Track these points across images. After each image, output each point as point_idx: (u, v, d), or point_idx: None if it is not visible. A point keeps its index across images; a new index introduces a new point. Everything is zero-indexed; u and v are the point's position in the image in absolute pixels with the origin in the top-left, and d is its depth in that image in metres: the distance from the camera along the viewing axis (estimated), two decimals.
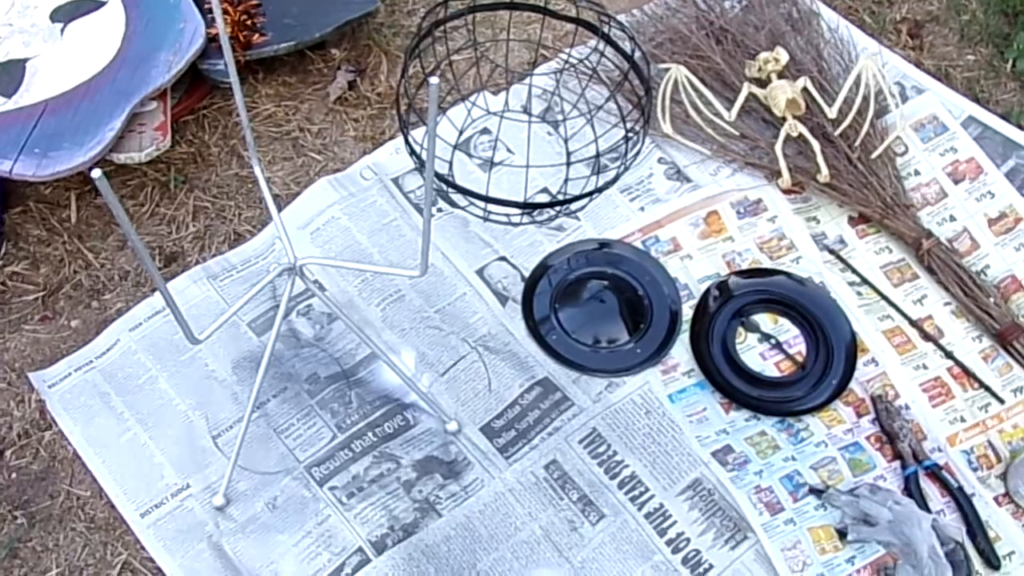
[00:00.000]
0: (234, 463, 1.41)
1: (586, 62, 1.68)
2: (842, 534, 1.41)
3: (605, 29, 1.58)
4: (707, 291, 1.60)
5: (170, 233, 1.68)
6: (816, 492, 1.44)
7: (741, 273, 1.63)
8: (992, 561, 1.40)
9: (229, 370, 1.53)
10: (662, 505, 1.43)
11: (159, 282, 1.01)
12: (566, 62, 1.66)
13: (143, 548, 1.41)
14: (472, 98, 1.71)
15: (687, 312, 1.59)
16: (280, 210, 1.66)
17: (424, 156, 1.07)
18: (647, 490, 1.44)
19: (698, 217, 1.68)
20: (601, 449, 1.47)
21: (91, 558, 1.41)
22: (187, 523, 1.42)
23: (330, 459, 1.47)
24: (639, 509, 1.43)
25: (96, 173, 0.84)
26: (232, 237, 1.67)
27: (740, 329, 1.59)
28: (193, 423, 1.49)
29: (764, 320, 1.60)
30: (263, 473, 1.46)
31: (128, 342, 1.55)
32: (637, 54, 1.49)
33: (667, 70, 1.76)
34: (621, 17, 1.83)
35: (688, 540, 1.41)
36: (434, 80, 0.88)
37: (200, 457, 1.47)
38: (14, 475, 1.46)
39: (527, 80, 1.76)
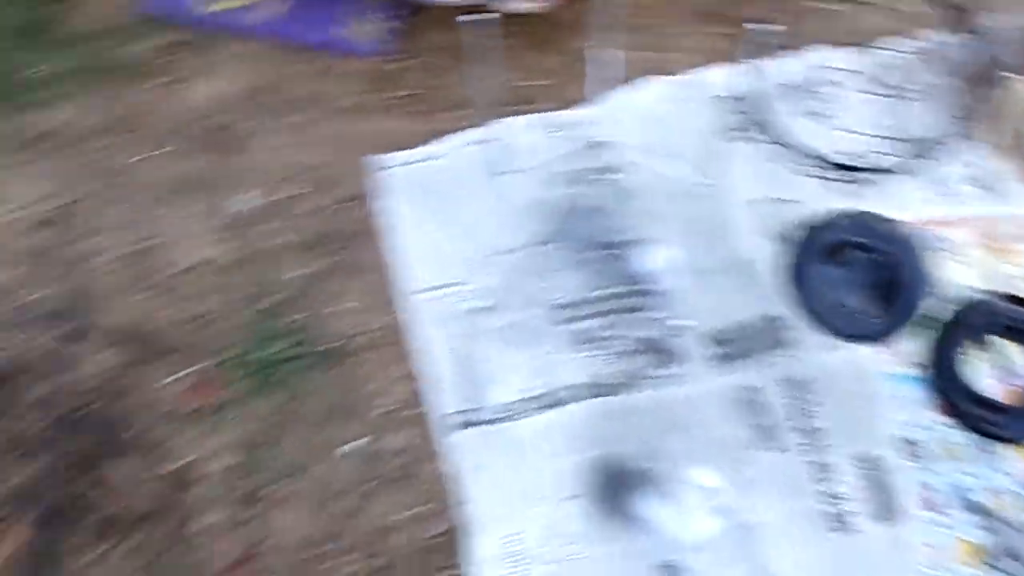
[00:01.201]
0: (502, 281, 1.68)
1: (939, 48, 1.72)
2: (987, 557, 1.47)
3: (969, 25, 1.62)
4: (969, 305, 1.64)
5: (526, 78, 1.93)
6: (980, 511, 1.50)
7: (1010, 297, 1.65)
8: None
9: (525, 207, 1.79)
10: (834, 463, 1.55)
11: (484, 114, 1.25)
12: (921, 43, 1.71)
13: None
14: (821, 50, 1.81)
15: (939, 312, 1.65)
16: (618, 91, 1.87)
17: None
18: (828, 445, 1.56)
19: (989, 230, 1.70)
20: (799, 394, 1.60)
21: (370, 300, 1.74)
22: (449, 312, 1.71)
23: (574, 307, 1.70)
24: (810, 457, 1.56)
25: (464, 18, 1.07)
26: (574, 100, 1.90)
27: (980, 346, 1.62)
28: (481, 238, 1.77)
29: (1006, 346, 1.62)
30: (520, 298, 1.71)
31: (457, 156, 1.84)
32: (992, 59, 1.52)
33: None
34: (1004, 18, 1.82)
35: (842, 500, 1.52)
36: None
37: (479, 267, 1.74)
38: (339, 226, 1.81)
39: (880, 48, 1.82)
